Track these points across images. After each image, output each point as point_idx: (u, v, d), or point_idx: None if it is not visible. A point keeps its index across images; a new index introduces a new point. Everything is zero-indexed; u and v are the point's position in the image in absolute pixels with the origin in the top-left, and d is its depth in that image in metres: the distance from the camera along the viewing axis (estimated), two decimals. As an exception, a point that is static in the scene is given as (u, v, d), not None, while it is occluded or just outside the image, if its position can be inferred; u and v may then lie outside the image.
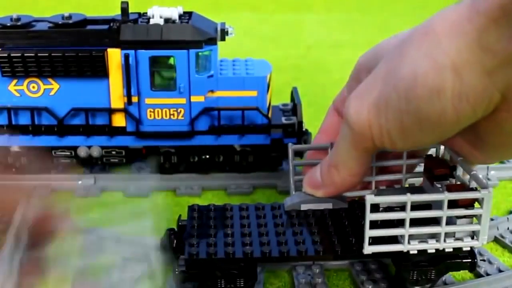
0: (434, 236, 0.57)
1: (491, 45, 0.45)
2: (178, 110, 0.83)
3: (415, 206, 0.56)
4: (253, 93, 0.84)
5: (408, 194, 0.55)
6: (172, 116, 0.83)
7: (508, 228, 0.76)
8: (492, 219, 0.77)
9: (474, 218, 0.57)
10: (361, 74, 0.60)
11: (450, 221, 0.57)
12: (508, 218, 0.77)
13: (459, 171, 0.61)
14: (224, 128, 0.85)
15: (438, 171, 0.62)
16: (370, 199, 0.54)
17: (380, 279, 0.65)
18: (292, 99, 0.91)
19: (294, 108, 0.89)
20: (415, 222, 0.56)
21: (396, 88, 0.50)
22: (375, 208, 0.56)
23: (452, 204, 0.56)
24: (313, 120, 0.93)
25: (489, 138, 0.53)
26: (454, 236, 0.58)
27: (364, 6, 1.76)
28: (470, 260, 0.60)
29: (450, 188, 0.58)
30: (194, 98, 0.83)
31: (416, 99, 0.48)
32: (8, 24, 0.81)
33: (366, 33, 1.53)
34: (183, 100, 0.83)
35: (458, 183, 0.61)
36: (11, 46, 0.81)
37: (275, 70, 0.89)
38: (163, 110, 0.83)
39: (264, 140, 0.86)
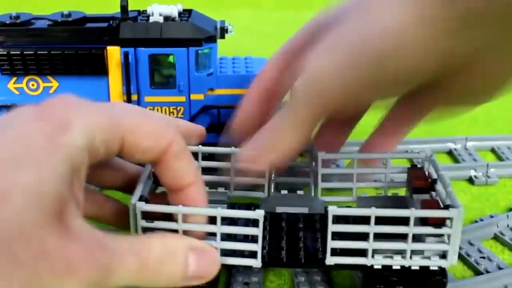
0: (401, 252, 0.56)
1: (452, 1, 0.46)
2: (178, 108, 0.83)
3: (385, 219, 0.54)
4: (253, 91, 0.84)
5: (373, 208, 0.53)
6: (171, 114, 0.83)
7: (508, 226, 0.76)
8: (491, 217, 0.77)
9: (446, 237, 0.55)
10: (320, 29, 0.60)
11: (420, 238, 0.56)
12: (507, 216, 0.77)
13: (439, 186, 0.60)
14: (224, 126, 0.85)
15: (417, 183, 0.61)
16: (332, 210, 0.53)
17: (379, 277, 0.65)
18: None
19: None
20: (383, 235, 0.55)
21: (364, 44, 0.50)
22: (339, 218, 0.55)
23: (424, 220, 0.55)
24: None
25: (451, 93, 0.54)
26: (422, 254, 0.56)
27: (364, 4, 1.76)
28: (440, 278, 0.57)
29: (424, 204, 0.57)
30: (193, 96, 0.83)
31: (381, 54, 0.49)
32: (8, 22, 0.81)
33: (366, 31, 1.53)
34: (182, 98, 0.83)
35: (437, 198, 0.59)
36: (10, 44, 0.81)
37: (275, 68, 0.89)
38: (163, 108, 0.83)
39: (264, 138, 0.85)
